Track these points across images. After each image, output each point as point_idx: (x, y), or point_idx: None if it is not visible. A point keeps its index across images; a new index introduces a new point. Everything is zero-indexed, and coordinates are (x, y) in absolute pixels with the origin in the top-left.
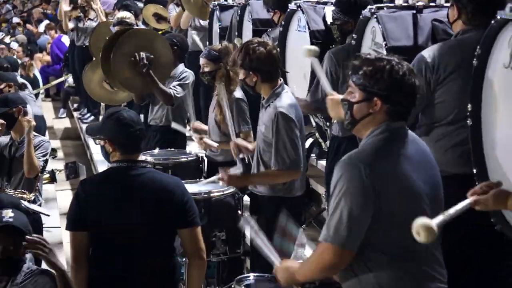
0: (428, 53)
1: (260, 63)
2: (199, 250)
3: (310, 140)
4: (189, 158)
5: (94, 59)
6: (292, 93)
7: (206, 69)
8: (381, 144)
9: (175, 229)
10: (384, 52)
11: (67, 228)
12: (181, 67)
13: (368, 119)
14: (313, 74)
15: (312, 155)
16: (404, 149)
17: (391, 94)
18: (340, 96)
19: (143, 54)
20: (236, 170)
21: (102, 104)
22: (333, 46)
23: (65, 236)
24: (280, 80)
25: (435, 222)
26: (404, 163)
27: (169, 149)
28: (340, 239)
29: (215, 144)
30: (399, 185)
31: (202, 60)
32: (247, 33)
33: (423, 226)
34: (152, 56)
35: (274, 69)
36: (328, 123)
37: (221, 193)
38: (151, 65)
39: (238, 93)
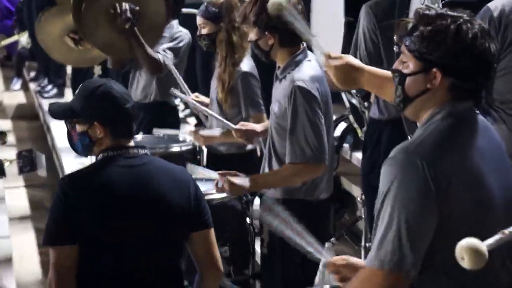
0: (496, 4)
1: (280, 20)
2: (215, 258)
3: (341, 126)
4: (183, 148)
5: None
6: (317, 63)
7: (204, 31)
8: (446, 134)
9: (188, 232)
10: (440, 7)
11: (47, 243)
12: (175, 25)
13: (425, 97)
14: (348, 38)
15: (344, 145)
16: (475, 140)
17: (456, 64)
18: (348, 58)
19: (126, 6)
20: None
21: (68, 71)
22: None
23: (17, 249)
24: (303, 44)
25: (487, 244)
26: (476, 160)
27: (156, 134)
28: (399, 262)
29: (217, 132)
30: (469, 189)
31: (198, 19)
32: None
33: (469, 248)
34: (138, 8)
35: (289, 31)
36: (366, 103)
37: (225, 195)
38: (136, 20)
39: (246, 65)
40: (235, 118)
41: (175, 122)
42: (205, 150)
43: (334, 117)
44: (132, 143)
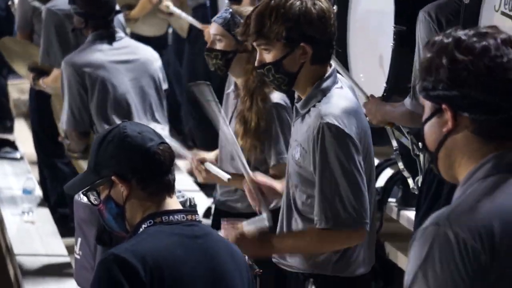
0: None
1: (313, 27)
2: None
3: (386, 173)
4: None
5: None
6: (350, 90)
7: (219, 45)
8: (492, 196)
9: None
10: None
11: None
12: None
13: (447, 149)
14: (399, 52)
15: (391, 200)
16: None
17: (463, 92)
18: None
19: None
20: (254, 224)
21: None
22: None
23: None
24: (330, 66)
25: None
26: None
27: None
28: None
29: (226, 176)
30: None
31: (215, 28)
32: None
33: None
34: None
35: (327, 43)
36: (421, 143)
37: None
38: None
39: (277, 96)
40: (260, 168)
41: None
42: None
43: (377, 162)
44: (179, 204)
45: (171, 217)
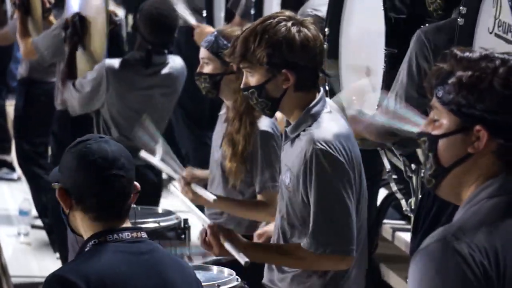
0: None
1: (296, 54)
2: None
3: (380, 194)
4: (164, 224)
5: None
6: (340, 114)
7: (207, 69)
8: (496, 217)
9: None
10: None
11: None
12: None
13: (465, 168)
14: (390, 77)
15: (386, 222)
16: None
17: (507, 119)
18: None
19: None
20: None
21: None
22: (426, 24)
23: None
24: (320, 91)
25: None
26: None
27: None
28: None
29: (212, 197)
30: None
31: (203, 52)
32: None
33: None
34: None
35: (311, 71)
36: (414, 165)
37: None
38: None
39: (265, 123)
40: (245, 191)
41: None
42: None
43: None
44: (128, 224)
45: (115, 235)
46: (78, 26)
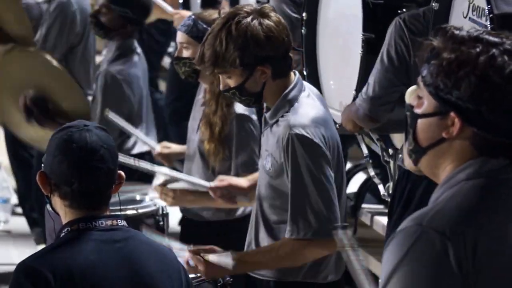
0: None
1: (265, 48)
2: None
3: (359, 178)
4: (142, 210)
5: None
6: (318, 98)
7: (186, 53)
8: (473, 198)
9: None
10: (487, 25)
11: None
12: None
13: (440, 150)
14: (367, 62)
15: (364, 206)
16: None
17: (481, 109)
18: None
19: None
20: (218, 258)
21: None
22: (404, 10)
23: None
24: (295, 74)
25: None
26: None
27: None
28: None
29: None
30: (505, 267)
31: (180, 36)
32: None
33: None
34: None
35: (283, 57)
36: (391, 149)
37: (193, 275)
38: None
39: (240, 106)
40: (224, 173)
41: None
42: (175, 214)
43: (349, 166)
44: (107, 212)
45: (88, 223)
46: None
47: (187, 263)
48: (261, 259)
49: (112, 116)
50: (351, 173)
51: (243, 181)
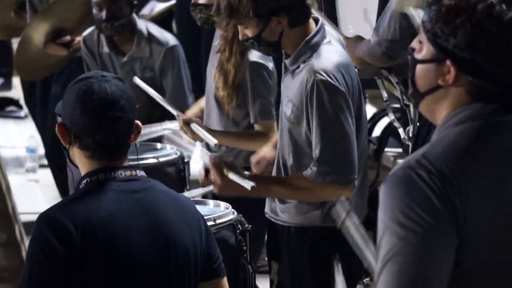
0: None
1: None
2: None
3: (383, 122)
4: (163, 159)
5: None
6: (339, 43)
7: (203, 0)
8: (462, 140)
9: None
10: None
11: None
12: None
13: (436, 96)
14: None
15: (387, 150)
16: (506, 144)
17: (476, 59)
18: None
19: None
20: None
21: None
22: None
23: None
24: (316, 21)
25: None
26: (506, 168)
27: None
28: None
29: (213, 140)
30: (494, 205)
31: None
32: None
33: None
34: None
35: (299, 5)
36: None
37: (212, 222)
38: None
39: (254, 54)
40: (241, 122)
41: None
42: (198, 164)
43: (374, 111)
44: (125, 162)
45: (107, 174)
46: None
47: (206, 175)
48: (280, 188)
49: (138, 82)
50: (376, 118)
51: (271, 151)
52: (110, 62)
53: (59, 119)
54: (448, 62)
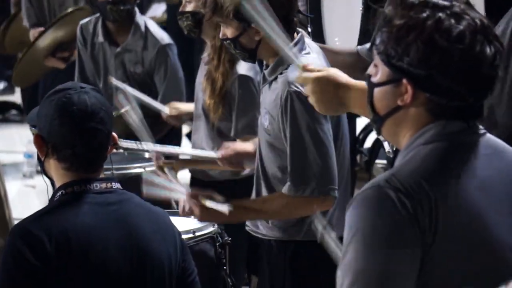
0: None
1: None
2: None
3: (373, 135)
4: (149, 169)
5: None
6: (320, 54)
7: (189, 7)
8: (430, 160)
9: None
10: None
11: None
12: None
13: (398, 118)
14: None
15: (379, 162)
16: (473, 167)
17: (431, 74)
18: (331, 71)
19: None
20: (215, 205)
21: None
22: None
23: None
24: (297, 33)
25: None
26: (472, 192)
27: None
28: None
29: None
30: (463, 229)
31: None
32: None
33: None
34: None
35: (285, 16)
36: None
37: (191, 235)
38: None
39: (243, 67)
40: (227, 134)
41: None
42: (184, 174)
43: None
44: (101, 174)
45: (83, 186)
46: None
47: (183, 207)
48: (257, 208)
49: (116, 82)
50: (368, 129)
51: (248, 146)
52: (102, 53)
53: (33, 130)
54: (404, 81)
